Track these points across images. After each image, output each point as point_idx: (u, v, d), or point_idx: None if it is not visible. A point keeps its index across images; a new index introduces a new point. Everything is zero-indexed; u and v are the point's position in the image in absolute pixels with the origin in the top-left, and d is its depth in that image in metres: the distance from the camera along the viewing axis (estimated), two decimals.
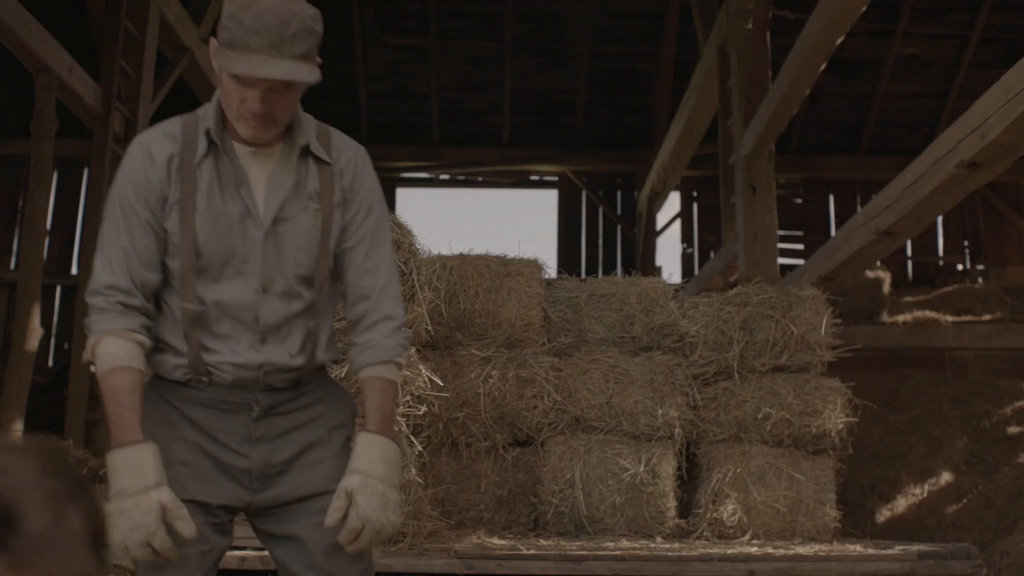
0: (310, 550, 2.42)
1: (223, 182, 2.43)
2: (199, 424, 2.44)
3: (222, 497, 2.43)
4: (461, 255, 5.01)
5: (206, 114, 2.48)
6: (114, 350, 2.36)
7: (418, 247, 4.24)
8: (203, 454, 2.42)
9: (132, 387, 2.35)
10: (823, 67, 6.94)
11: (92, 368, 2.46)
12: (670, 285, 5.33)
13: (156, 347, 2.46)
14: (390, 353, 2.49)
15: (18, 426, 6.69)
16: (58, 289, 12.98)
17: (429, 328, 4.31)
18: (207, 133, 2.43)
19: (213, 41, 2.36)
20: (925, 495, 7.69)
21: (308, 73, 2.36)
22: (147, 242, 2.42)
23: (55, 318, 12.88)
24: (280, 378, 2.46)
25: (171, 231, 2.41)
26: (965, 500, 7.29)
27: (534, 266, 5.10)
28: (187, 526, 2.25)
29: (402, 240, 4.11)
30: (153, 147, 2.46)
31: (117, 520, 2.20)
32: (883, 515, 7.63)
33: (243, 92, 2.32)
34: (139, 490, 2.23)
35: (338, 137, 2.59)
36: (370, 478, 2.34)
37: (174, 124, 2.51)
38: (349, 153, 2.57)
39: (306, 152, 2.49)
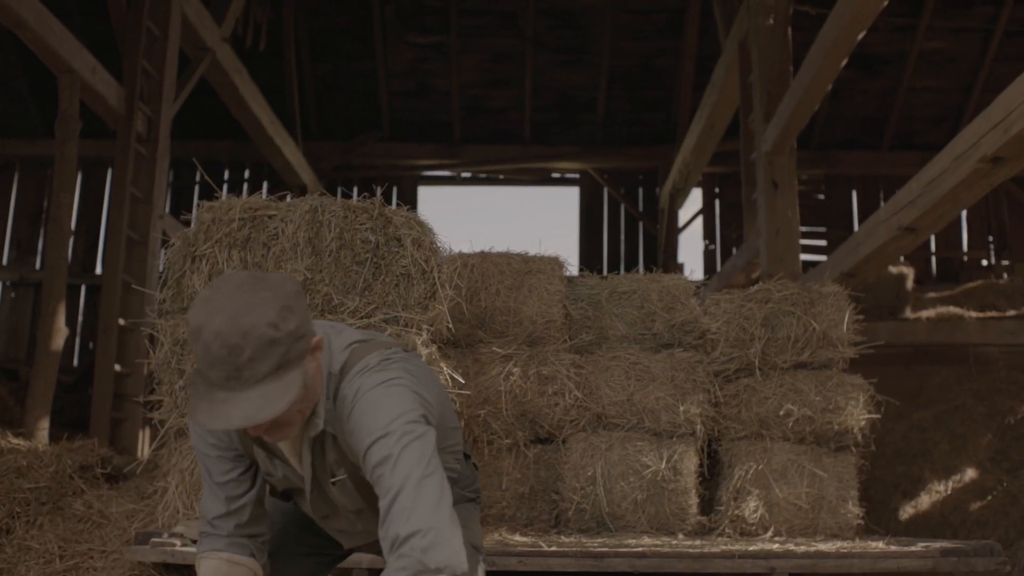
0: None
1: (268, 452, 2.53)
2: None
3: None
4: (482, 253, 5.01)
5: None
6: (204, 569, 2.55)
7: (439, 245, 4.25)
8: None
9: None
10: (845, 62, 6.91)
11: None
12: (691, 282, 5.32)
13: None
14: None
15: (44, 425, 6.75)
16: (83, 289, 13.07)
17: (450, 326, 4.32)
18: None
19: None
20: (949, 492, 7.64)
21: (277, 398, 2.17)
22: (235, 475, 2.58)
23: (80, 317, 12.98)
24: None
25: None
26: (990, 497, 7.24)
27: (555, 263, 5.10)
28: None
29: (423, 238, 4.13)
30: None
31: None
32: (907, 512, 7.59)
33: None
34: None
35: (334, 407, 2.43)
36: None
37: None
38: (344, 412, 2.40)
39: (320, 438, 2.47)
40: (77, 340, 12.90)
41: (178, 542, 3.70)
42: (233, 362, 2.13)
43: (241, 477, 2.54)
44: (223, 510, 2.52)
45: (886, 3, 6.07)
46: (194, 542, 3.66)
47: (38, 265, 12.95)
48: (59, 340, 7.04)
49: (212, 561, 2.52)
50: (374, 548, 2.71)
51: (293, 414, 2.28)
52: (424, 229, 4.15)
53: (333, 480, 2.49)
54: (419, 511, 2.20)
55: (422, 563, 2.16)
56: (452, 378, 4.23)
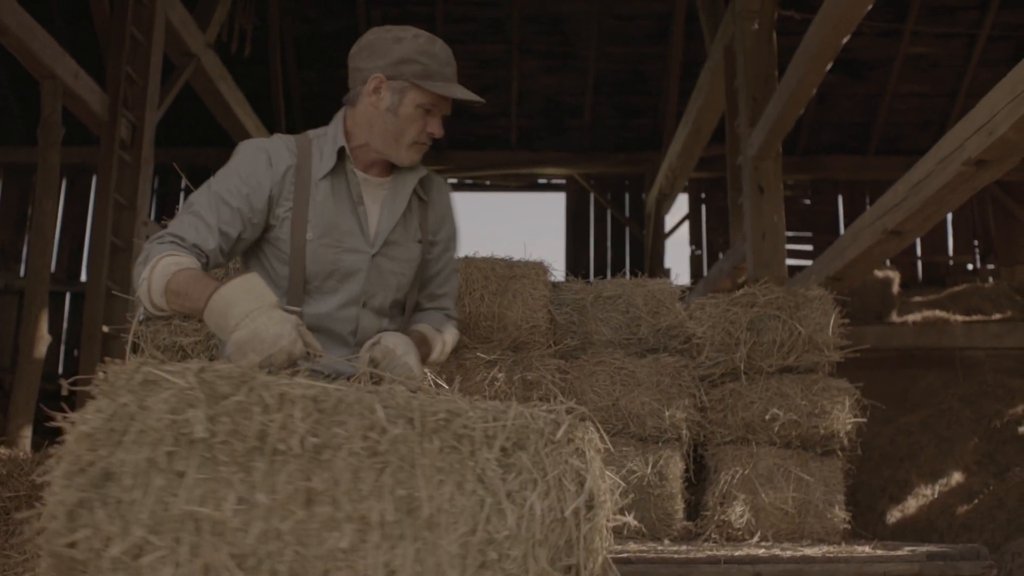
0: None
1: (338, 200, 2.64)
2: None
3: None
4: (466, 258, 4.99)
5: (326, 135, 2.74)
6: (176, 260, 2.43)
7: None
8: None
9: (206, 274, 2.43)
10: (830, 67, 6.92)
11: (145, 298, 2.48)
12: (677, 286, 5.30)
13: None
14: (437, 323, 2.90)
15: (26, 433, 6.71)
16: (67, 296, 13.01)
17: None
18: (340, 151, 2.67)
19: (379, 77, 2.63)
20: (936, 496, 7.65)
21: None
22: (230, 230, 2.56)
23: (64, 325, 12.92)
24: None
25: (282, 239, 2.61)
26: (976, 501, 7.25)
27: (540, 268, 5.08)
28: (315, 341, 2.30)
29: None
30: (273, 154, 2.65)
31: (251, 339, 2.20)
32: (893, 516, 7.59)
33: (426, 119, 2.66)
34: (265, 306, 2.25)
35: (432, 178, 2.87)
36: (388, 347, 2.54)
37: (289, 140, 2.73)
38: (442, 194, 2.88)
39: (413, 190, 2.76)
40: (62, 348, 12.84)
41: None
42: (454, 63, 2.70)
43: (227, 245, 2.59)
44: (191, 243, 2.53)
45: (870, 7, 6.08)
46: None
47: (22, 272, 12.89)
48: (42, 347, 6.99)
49: (188, 256, 2.49)
50: None
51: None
52: None
53: (409, 240, 2.75)
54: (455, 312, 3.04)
55: (452, 335, 2.95)
56: (436, 384, 4.20)
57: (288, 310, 2.37)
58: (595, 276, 13.75)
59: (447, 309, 2.98)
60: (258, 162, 2.62)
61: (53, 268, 12.18)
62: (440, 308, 2.95)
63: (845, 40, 6.51)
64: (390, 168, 2.75)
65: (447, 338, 2.91)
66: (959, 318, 10.26)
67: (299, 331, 2.25)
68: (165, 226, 4.18)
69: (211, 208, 2.57)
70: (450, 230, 2.91)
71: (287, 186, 2.62)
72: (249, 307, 2.24)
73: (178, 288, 2.37)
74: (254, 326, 2.21)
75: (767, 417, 4.85)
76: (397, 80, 2.63)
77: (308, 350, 2.27)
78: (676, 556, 3.89)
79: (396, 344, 2.54)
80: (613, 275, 5.40)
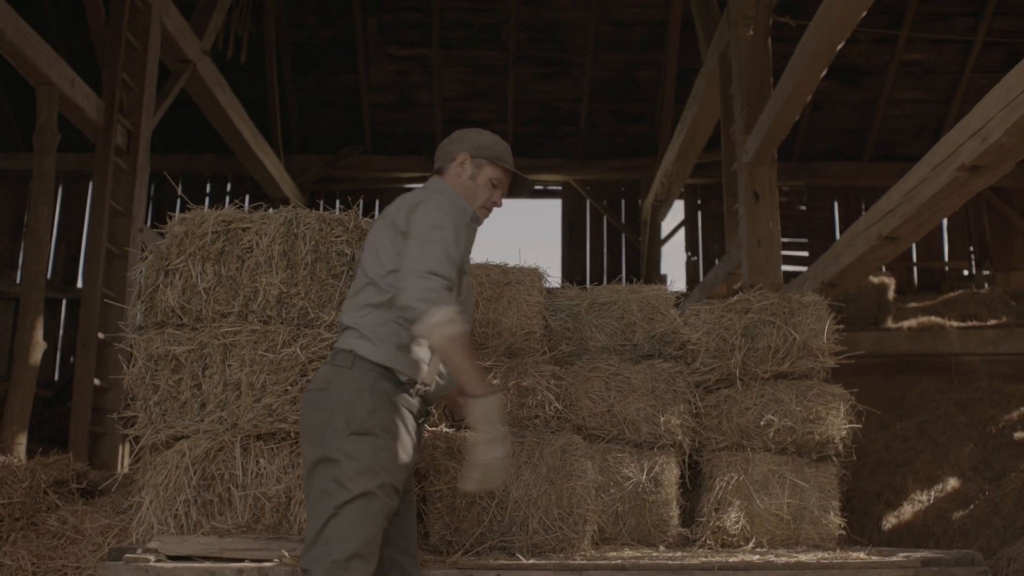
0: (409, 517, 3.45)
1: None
2: (409, 424, 3.26)
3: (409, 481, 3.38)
4: None
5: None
6: (459, 319, 3.17)
7: None
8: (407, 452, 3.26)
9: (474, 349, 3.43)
10: (824, 73, 6.93)
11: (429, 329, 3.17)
12: (672, 293, 5.30)
13: (399, 347, 3.26)
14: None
15: (21, 440, 6.69)
16: (63, 303, 13.00)
17: None
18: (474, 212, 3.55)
19: (465, 155, 3.63)
20: (931, 502, 7.65)
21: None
22: (461, 264, 3.39)
23: (61, 331, 12.90)
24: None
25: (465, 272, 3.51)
26: (972, 506, 7.24)
27: (534, 274, 5.07)
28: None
29: None
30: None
31: (496, 448, 3.13)
32: (889, 522, 7.59)
33: (494, 193, 3.63)
34: (504, 433, 3.17)
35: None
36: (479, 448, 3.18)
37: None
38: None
39: None
40: (58, 354, 12.83)
41: (152, 557, 3.65)
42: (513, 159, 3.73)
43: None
44: (452, 282, 3.26)
45: (864, 14, 6.09)
46: (169, 557, 3.62)
47: (18, 279, 12.87)
48: (37, 354, 6.98)
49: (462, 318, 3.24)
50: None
51: None
52: None
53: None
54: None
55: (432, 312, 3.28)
56: None
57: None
58: (591, 282, 13.79)
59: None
60: (468, 210, 3.50)
61: (49, 274, 12.20)
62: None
63: (840, 47, 6.53)
64: None
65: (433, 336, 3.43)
66: (954, 324, 10.27)
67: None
68: (162, 235, 4.18)
69: (458, 246, 3.34)
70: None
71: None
72: (504, 430, 3.17)
73: (464, 349, 3.18)
74: (505, 447, 3.16)
75: (762, 423, 4.84)
76: (478, 159, 3.62)
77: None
78: (671, 563, 3.89)
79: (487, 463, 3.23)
80: (609, 281, 5.38)
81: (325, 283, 4.07)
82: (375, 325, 3.26)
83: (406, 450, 3.22)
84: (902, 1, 12.45)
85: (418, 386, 3.27)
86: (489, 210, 3.65)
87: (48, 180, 7.20)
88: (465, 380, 3.19)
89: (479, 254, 8.82)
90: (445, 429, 4.29)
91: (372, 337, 3.24)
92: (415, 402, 3.30)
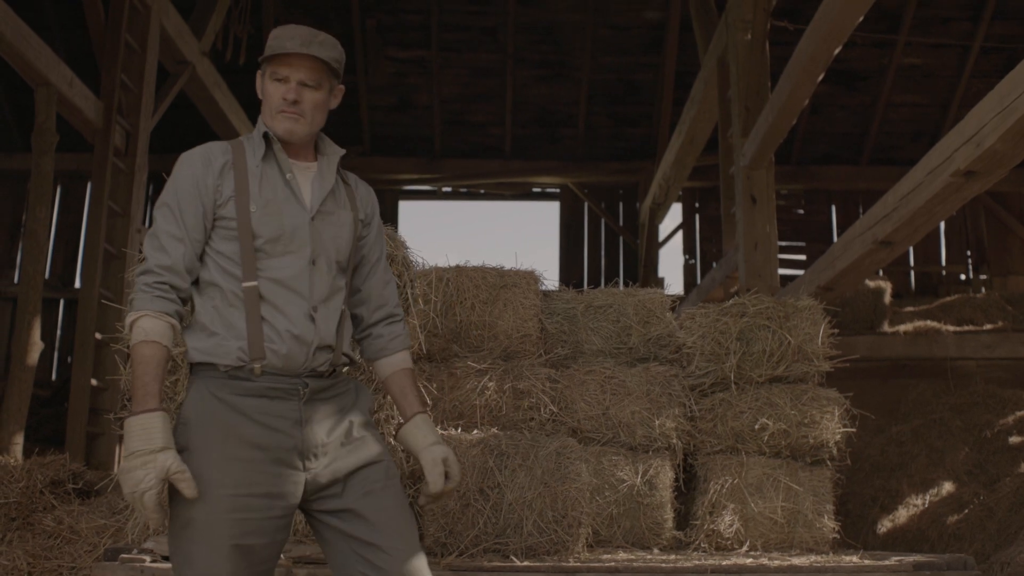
0: (364, 517, 2.80)
1: (272, 177, 2.96)
2: (250, 414, 2.76)
3: (281, 484, 2.74)
4: (457, 267, 4.99)
5: (253, 133, 3.06)
6: (149, 327, 2.78)
7: (412, 259, 4.24)
8: (257, 448, 2.73)
9: (159, 361, 2.76)
10: (822, 77, 6.95)
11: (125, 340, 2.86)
12: (668, 296, 5.31)
13: (209, 335, 2.83)
14: (407, 342, 3.20)
15: (18, 440, 6.70)
16: (61, 303, 13.00)
17: (422, 341, 4.30)
18: (264, 136, 3.00)
19: (260, 74, 3.02)
20: (926, 506, 7.66)
21: (333, 65, 3.03)
22: (198, 234, 2.87)
23: (58, 332, 12.90)
24: (323, 359, 2.88)
25: (228, 217, 2.88)
26: (966, 511, 7.26)
27: (531, 277, 5.08)
28: (189, 487, 2.62)
29: (395, 252, 4.11)
30: (212, 155, 2.96)
31: (125, 477, 2.58)
32: (884, 526, 7.60)
33: (281, 88, 2.95)
34: (146, 451, 2.60)
35: (356, 176, 3.27)
36: (447, 447, 3.02)
37: (223, 143, 3.06)
38: (364, 188, 3.24)
39: (337, 172, 3.10)
40: (56, 355, 12.83)
41: (147, 558, 3.67)
42: (311, 37, 3.00)
43: (201, 249, 2.90)
44: (180, 267, 2.85)
45: (862, 18, 6.11)
46: (164, 558, 3.63)
47: (16, 279, 12.87)
48: (34, 354, 7.00)
49: (161, 323, 2.81)
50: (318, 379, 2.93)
51: (313, 109, 3.00)
52: (396, 243, 4.13)
53: (340, 208, 3.05)
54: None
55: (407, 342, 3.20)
56: (426, 392, 4.21)
57: (247, 287, 2.83)
58: (589, 285, 13.85)
59: (395, 317, 3.23)
60: (195, 166, 2.92)
61: (47, 275, 12.20)
62: (390, 316, 3.21)
63: (838, 51, 6.54)
64: (314, 154, 3.11)
65: (410, 362, 3.23)
66: (951, 328, 10.28)
67: (175, 478, 2.61)
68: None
69: (177, 223, 2.87)
70: (378, 223, 3.26)
71: (227, 177, 2.92)
72: (134, 447, 2.62)
73: (134, 365, 2.75)
74: (130, 465, 2.60)
75: (757, 427, 4.85)
76: (260, 69, 3.03)
77: (180, 486, 2.62)
78: (664, 566, 3.90)
79: (457, 468, 3.06)
80: (607, 284, 5.39)
81: None
82: None
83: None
84: (900, 5, 12.48)
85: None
86: (290, 112, 2.95)
87: (46, 181, 7.22)
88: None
89: (477, 257, 8.82)
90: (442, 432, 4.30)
91: None
92: (259, 384, 2.83)
